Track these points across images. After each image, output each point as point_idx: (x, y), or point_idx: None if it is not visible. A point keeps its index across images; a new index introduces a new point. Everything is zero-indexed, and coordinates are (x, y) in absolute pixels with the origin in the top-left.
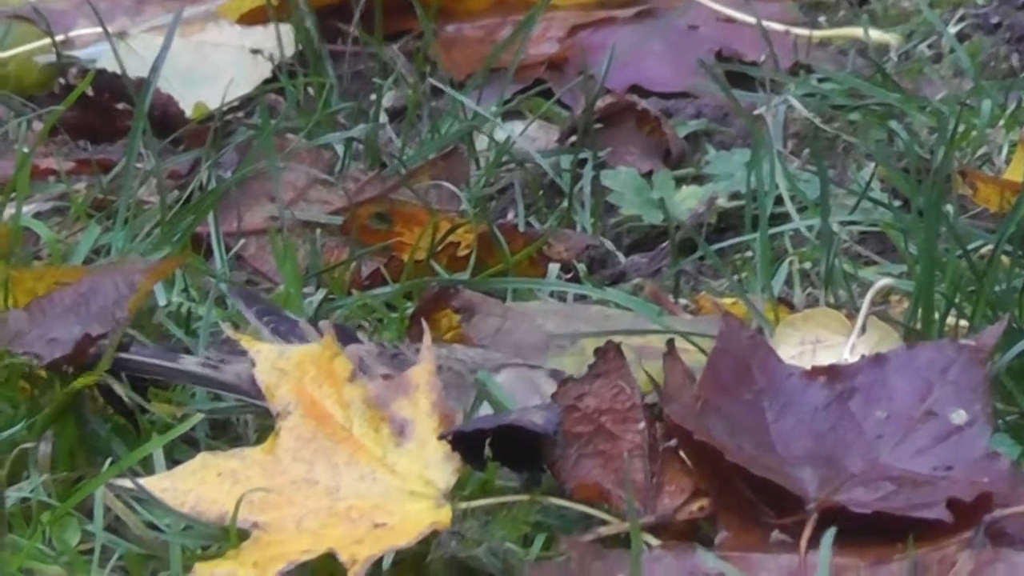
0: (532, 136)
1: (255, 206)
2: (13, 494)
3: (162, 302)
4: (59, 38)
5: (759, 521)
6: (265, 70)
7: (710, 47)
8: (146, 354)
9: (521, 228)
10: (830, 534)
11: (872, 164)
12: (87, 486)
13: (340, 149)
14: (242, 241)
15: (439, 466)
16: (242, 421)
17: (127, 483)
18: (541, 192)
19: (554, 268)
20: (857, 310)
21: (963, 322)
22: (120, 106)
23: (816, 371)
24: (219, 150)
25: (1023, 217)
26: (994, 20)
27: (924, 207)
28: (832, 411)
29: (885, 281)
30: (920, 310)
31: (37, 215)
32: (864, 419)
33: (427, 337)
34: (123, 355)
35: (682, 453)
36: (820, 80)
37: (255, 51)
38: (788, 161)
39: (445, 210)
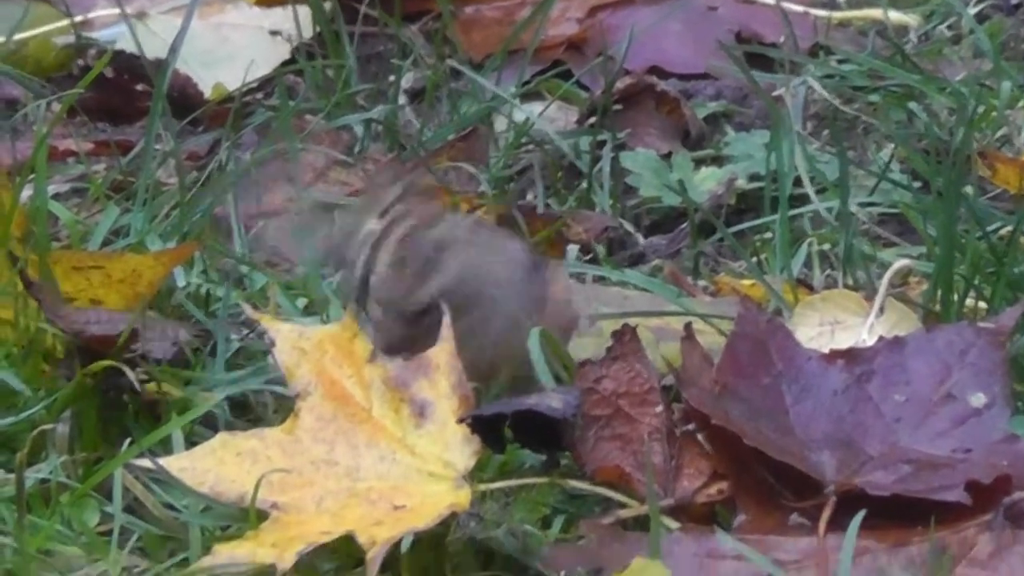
0: (551, 117)
1: (274, 187)
2: (32, 475)
3: (181, 283)
4: (78, 19)
5: (778, 504)
6: (284, 51)
7: (729, 28)
8: None
9: (540, 210)
10: (857, 518)
11: (891, 145)
12: (106, 467)
13: (359, 130)
14: (261, 222)
15: (459, 448)
16: (261, 401)
17: (146, 464)
18: (560, 174)
19: (573, 249)
20: (876, 292)
21: (982, 304)
22: (139, 87)
23: (835, 354)
24: (238, 131)
25: None
26: (1014, 1)
27: (943, 188)
28: (851, 394)
29: (904, 262)
30: (939, 292)
31: (56, 196)
32: (883, 402)
33: (447, 318)
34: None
35: (700, 437)
36: (840, 61)
37: (274, 32)
38: (807, 142)
39: (464, 191)
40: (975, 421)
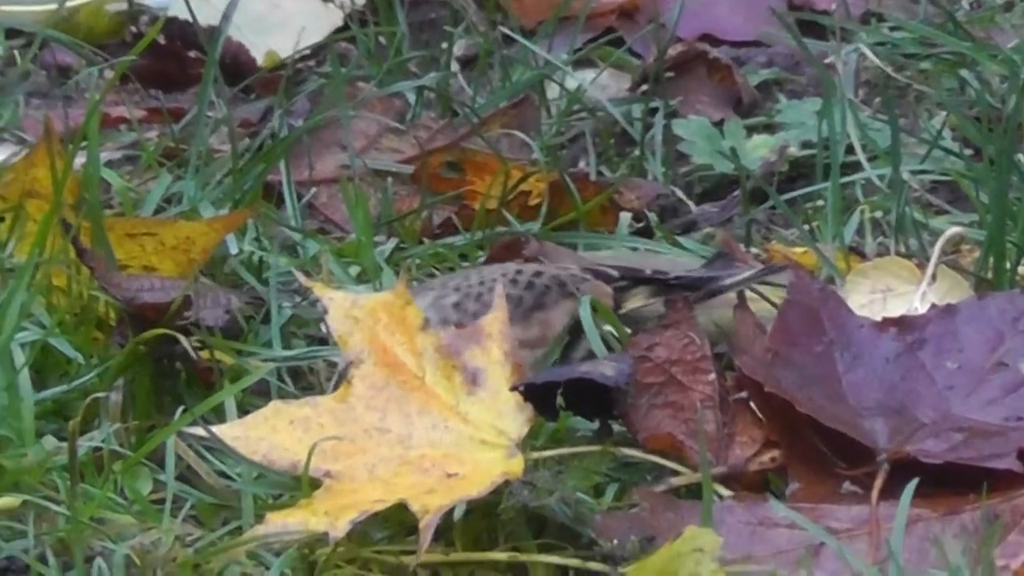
0: (603, 84)
1: (326, 154)
2: (85, 443)
3: (234, 251)
4: None
5: (830, 472)
6: (336, 18)
7: None
8: None
9: (592, 177)
10: (910, 487)
11: (943, 113)
12: (158, 435)
13: (411, 97)
14: (313, 190)
15: (511, 415)
16: (314, 369)
17: (199, 432)
18: (612, 141)
19: (625, 217)
20: (928, 259)
21: None
22: (191, 54)
23: (887, 322)
24: (290, 98)
25: None
26: None
27: (995, 156)
28: (903, 362)
29: (955, 230)
30: (991, 259)
31: (108, 164)
32: (935, 370)
33: (499, 287)
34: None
35: (753, 404)
36: (891, 28)
37: None
38: (859, 110)
39: (516, 159)
40: None
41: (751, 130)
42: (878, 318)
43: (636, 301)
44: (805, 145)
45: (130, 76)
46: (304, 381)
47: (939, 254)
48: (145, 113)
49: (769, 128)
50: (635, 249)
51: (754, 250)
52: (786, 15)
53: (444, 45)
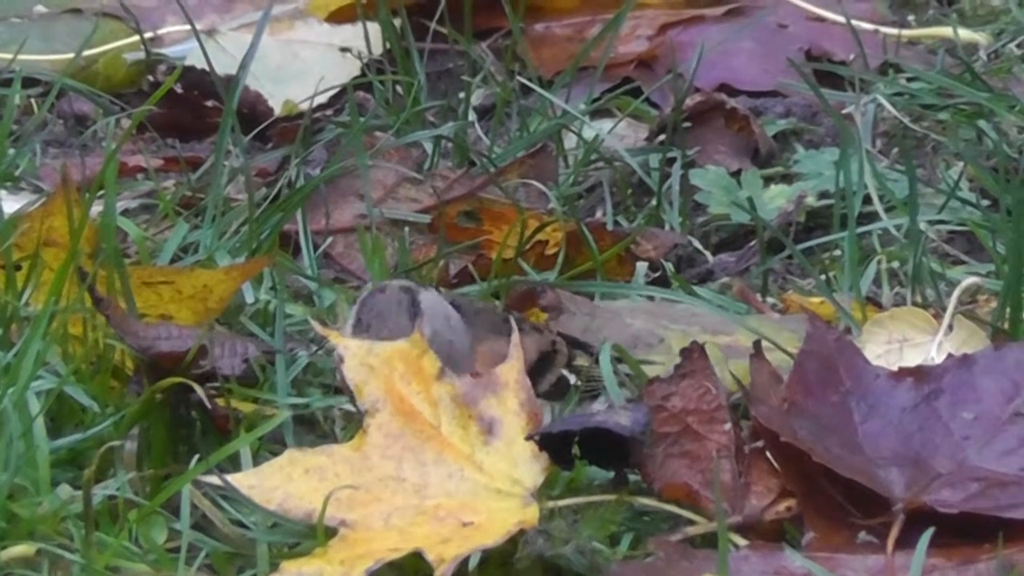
0: (621, 134)
1: (343, 204)
2: (100, 492)
3: (250, 300)
4: (148, 35)
5: (846, 522)
6: (354, 68)
7: (799, 46)
8: None
9: (609, 226)
10: (925, 536)
11: (961, 163)
12: (174, 484)
13: (429, 147)
14: (330, 239)
15: (527, 465)
16: (329, 418)
17: (214, 480)
18: (630, 191)
19: (642, 267)
20: (944, 309)
21: None
22: (209, 103)
23: (903, 372)
24: (307, 148)
25: None
26: None
27: (1012, 206)
28: (919, 412)
29: (972, 280)
30: (1008, 309)
31: (125, 212)
32: (951, 420)
33: (515, 336)
34: None
35: (769, 454)
36: (909, 79)
37: (344, 49)
38: (877, 160)
39: (533, 208)
40: None
41: (768, 180)
42: (895, 368)
43: None
44: (822, 195)
45: (147, 125)
46: (319, 430)
47: (956, 304)
48: (162, 162)
49: (786, 178)
50: (651, 298)
51: (771, 300)
52: (804, 65)
53: (462, 95)
